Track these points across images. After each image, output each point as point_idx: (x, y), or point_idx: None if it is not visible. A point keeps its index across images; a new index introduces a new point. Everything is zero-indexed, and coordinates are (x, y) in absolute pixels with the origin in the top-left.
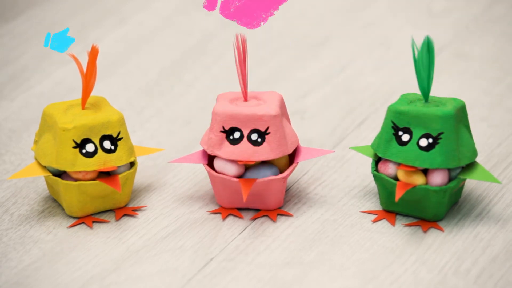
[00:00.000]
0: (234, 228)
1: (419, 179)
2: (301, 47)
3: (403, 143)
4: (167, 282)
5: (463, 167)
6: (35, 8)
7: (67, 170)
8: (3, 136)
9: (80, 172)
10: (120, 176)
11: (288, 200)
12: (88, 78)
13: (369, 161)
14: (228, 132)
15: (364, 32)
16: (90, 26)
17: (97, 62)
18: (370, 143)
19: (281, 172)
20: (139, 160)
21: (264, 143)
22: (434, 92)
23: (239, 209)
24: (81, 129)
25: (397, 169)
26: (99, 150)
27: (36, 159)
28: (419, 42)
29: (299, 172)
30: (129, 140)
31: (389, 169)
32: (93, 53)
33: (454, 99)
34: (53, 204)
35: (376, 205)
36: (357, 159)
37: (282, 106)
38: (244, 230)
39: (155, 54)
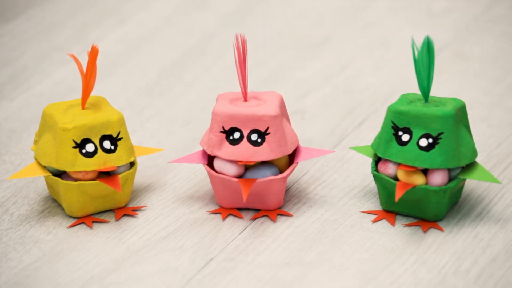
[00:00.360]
0: (234, 228)
1: (419, 179)
2: (301, 47)
3: (403, 143)
4: (167, 282)
5: (463, 167)
6: (35, 8)
7: (67, 170)
8: (3, 136)
9: (80, 172)
10: (120, 176)
11: (288, 200)
12: (88, 78)
13: (369, 161)
14: (228, 133)
15: (364, 32)
16: (90, 26)
17: (97, 62)
18: (370, 143)
19: (281, 172)
20: (139, 160)
21: (264, 143)
22: (434, 92)
23: (239, 209)
24: (81, 129)
25: (397, 169)
26: (99, 150)
27: (36, 159)
28: (419, 42)
29: (299, 172)
30: (129, 140)
31: (389, 169)
32: (93, 53)
33: (454, 99)
34: (53, 204)
35: (376, 205)
36: (357, 159)
37: (282, 106)
38: (244, 230)
39: (155, 54)
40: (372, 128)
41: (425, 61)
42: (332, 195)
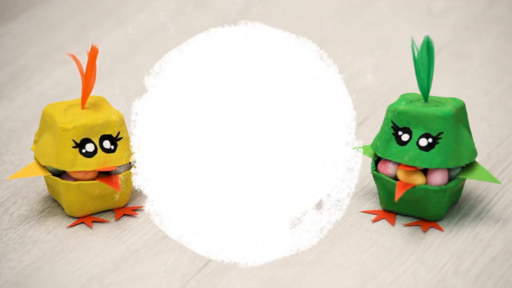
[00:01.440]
0: None
1: (418, 179)
2: None
3: (403, 143)
4: (167, 282)
5: (462, 167)
6: (35, 8)
7: (67, 170)
8: (3, 136)
9: (79, 172)
10: (120, 176)
11: None
12: (88, 78)
13: (369, 161)
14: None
15: (364, 32)
16: (90, 26)
17: (97, 62)
18: (370, 143)
19: None
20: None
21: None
22: (434, 92)
23: None
24: (81, 129)
25: (397, 169)
26: (99, 150)
27: (36, 159)
28: (419, 42)
29: None
30: (129, 140)
31: (389, 169)
32: (93, 53)
33: (454, 99)
34: (53, 204)
35: (376, 205)
36: (357, 159)
37: None
38: None
39: (155, 54)
40: (372, 128)
41: (425, 61)
42: None
